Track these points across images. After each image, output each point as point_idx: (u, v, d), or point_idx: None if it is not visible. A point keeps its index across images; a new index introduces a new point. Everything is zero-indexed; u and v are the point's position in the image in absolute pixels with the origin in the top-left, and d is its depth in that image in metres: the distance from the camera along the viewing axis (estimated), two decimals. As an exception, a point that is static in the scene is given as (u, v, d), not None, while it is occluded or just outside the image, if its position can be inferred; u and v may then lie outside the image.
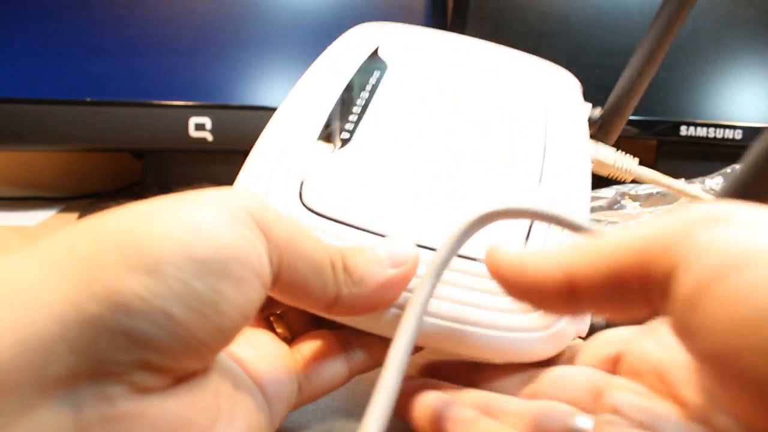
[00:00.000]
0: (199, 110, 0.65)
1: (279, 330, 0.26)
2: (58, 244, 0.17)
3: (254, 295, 0.19)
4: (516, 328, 0.24)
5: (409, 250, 0.24)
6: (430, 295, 0.22)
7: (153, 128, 0.64)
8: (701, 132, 0.66)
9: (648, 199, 0.53)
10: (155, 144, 0.65)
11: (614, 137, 0.38)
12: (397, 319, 0.23)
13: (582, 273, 0.18)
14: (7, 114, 0.62)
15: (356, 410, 0.27)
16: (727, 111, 0.67)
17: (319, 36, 0.66)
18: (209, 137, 0.65)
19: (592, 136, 0.37)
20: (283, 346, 0.25)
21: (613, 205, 0.53)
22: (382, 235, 0.25)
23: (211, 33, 0.66)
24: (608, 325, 0.27)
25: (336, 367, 0.25)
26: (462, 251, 0.25)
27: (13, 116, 0.62)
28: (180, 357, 0.17)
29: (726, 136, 0.66)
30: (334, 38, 0.36)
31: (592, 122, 0.37)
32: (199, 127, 0.65)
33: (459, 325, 0.24)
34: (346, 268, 0.22)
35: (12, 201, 0.72)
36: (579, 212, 0.28)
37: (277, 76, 0.67)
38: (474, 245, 0.25)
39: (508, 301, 0.24)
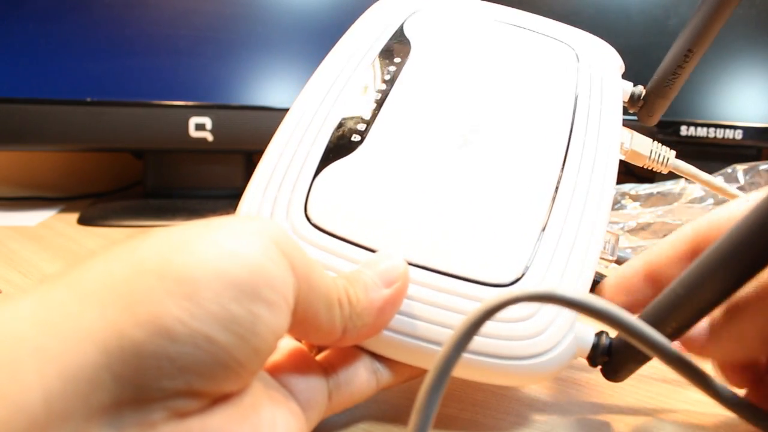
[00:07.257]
0: (199, 110, 0.65)
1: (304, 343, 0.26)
2: (94, 271, 0.18)
3: (283, 319, 0.19)
4: (517, 355, 0.24)
5: (398, 266, 0.24)
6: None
7: (153, 128, 0.64)
8: (701, 132, 0.66)
9: (648, 199, 0.53)
10: (155, 144, 0.65)
11: (657, 118, 0.35)
12: (389, 340, 0.24)
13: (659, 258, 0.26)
14: (7, 114, 0.62)
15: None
16: (727, 111, 0.67)
17: (320, 35, 0.66)
18: (209, 137, 0.65)
19: (633, 115, 0.35)
20: (312, 354, 0.25)
21: (613, 205, 0.53)
22: None
23: (211, 33, 0.66)
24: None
25: (364, 376, 0.25)
26: (464, 274, 0.25)
27: (13, 116, 0.62)
28: (220, 380, 0.18)
29: (726, 136, 0.66)
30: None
31: (633, 101, 0.34)
32: (199, 127, 0.65)
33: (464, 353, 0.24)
34: (350, 302, 0.22)
35: (12, 201, 0.72)
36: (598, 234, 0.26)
37: (277, 76, 0.67)
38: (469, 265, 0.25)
39: (507, 328, 0.24)
